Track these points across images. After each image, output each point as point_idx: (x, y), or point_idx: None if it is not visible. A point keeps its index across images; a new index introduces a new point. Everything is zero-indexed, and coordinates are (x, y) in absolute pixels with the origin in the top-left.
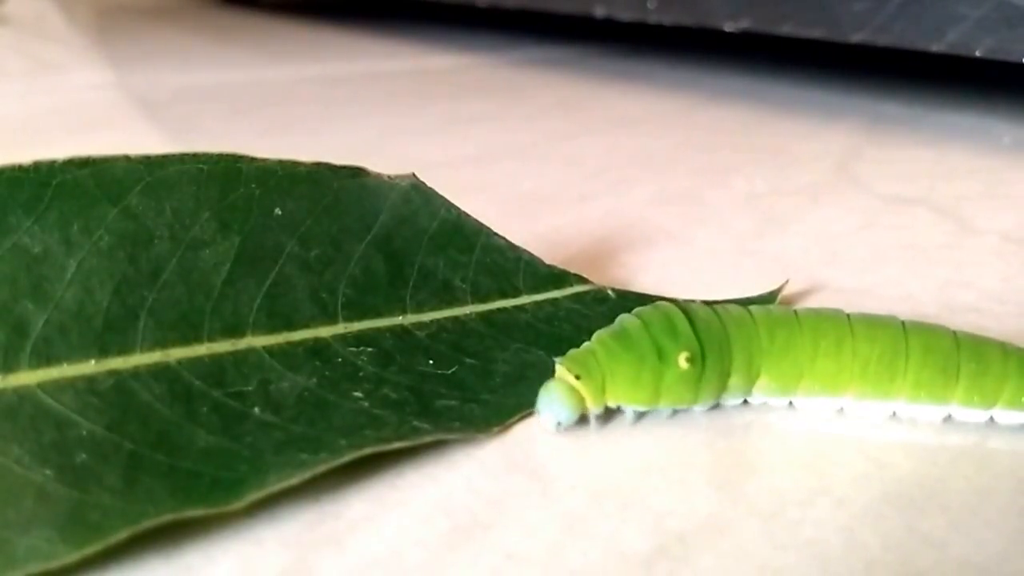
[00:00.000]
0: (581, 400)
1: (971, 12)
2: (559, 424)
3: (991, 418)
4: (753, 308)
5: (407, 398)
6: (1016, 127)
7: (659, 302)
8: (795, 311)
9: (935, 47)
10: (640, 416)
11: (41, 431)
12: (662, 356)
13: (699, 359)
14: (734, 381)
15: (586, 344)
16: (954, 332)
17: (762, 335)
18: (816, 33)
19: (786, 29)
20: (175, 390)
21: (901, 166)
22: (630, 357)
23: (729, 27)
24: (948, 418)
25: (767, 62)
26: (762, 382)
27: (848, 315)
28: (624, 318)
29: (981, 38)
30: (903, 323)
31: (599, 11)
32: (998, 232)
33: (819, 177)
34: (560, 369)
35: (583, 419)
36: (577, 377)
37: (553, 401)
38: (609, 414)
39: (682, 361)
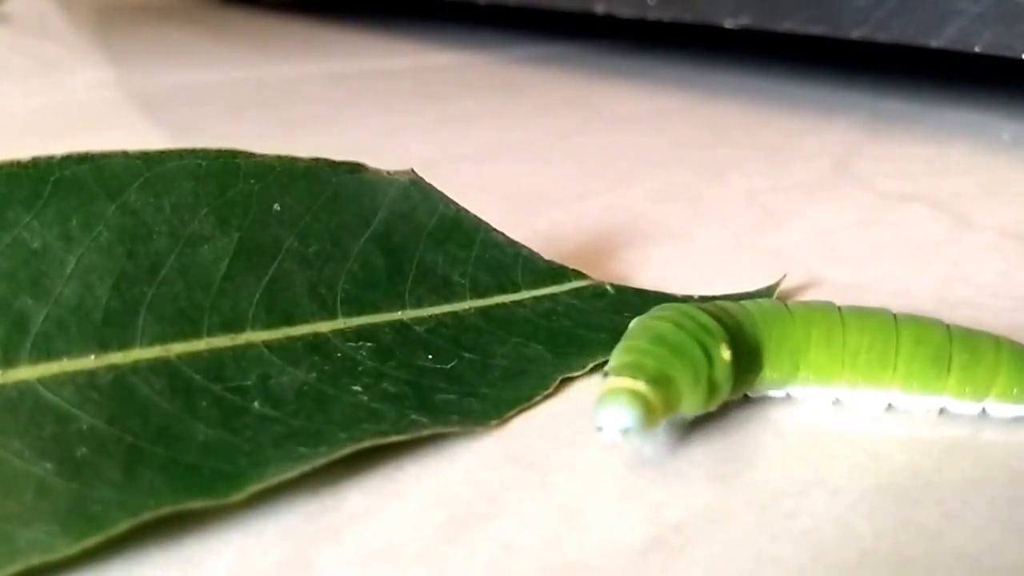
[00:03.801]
0: (648, 408)
1: (970, 7)
2: (626, 431)
3: (984, 410)
4: (745, 303)
5: (406, 392)
6: (1015, 123)
7: (665, 304)
8: (785, 303)
9: (934, 42)
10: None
11: (41, 425)
12: (708, 353)
13: (734, 349)
14: (746, 372)
15: (623, 355)
16: (946, 324)
17: (760, 326)
18: (816, 29)
19: (786, 25)
20: (175, 385)
21: (900, 162)
22: (684, 362)
23: (729, 24)
24: (942, 411)
25: (767, 59)
26: (764, 372)
27: (839, 307)
28: (649, 325)
29: (980, 33)
30: (895, 315)
31: (599, 8)
32: (996, 228)
33: (818, 173)
34: (619, 378)
35: (581, 413)
36: (646, 383)
37: (619, 406)
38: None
39: (724, 353)
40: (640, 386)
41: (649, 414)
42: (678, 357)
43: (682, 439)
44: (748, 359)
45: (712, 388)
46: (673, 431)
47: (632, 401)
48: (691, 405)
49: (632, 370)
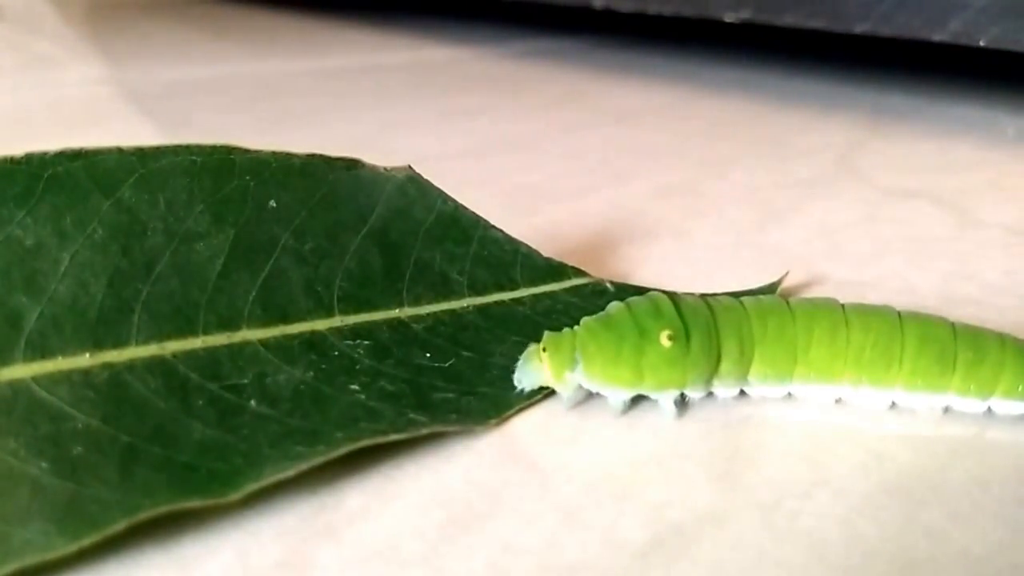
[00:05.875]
0: (542, 370)
1: (974, 1)
2: (518, 382)
3: (989, 409)
4: (744, 299)
5: (404, 391)
6: (1020, 119)
7: (650, 293)
8: (787, 300)
9: (938, 37)
10: (627, 406)
11: (36, 424)
12: (644, 335)
13: (683, 338)
14: (726, 367)
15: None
16: (951, 322)
17: (753, 322)
18: (818, 24)
19: (787, 20)
20: (171, 383)
21: (903, 158)
22: (610, 336)
23: (730, 18)
24: (947, 409)
25: (768, 53)
26: (756, 369)
27: (843, 304)
28: (611, 304)
29: (985, 27)
30: (899, 312)
31: (598, 2)
32: (1001, 225)
33: (820, 169)
34: (541, 343)
35: (581, 411)
36: (544, 350)
37: (520, 363)
38: (604, 406)
39: (664, 339)
40: (542, 354)
41: (541, 373)
42: (609, 334)
43: (683, 438)
44: (731, 354)
45: (643, 370)
46: (672, 429)
47: (529, 363)
48: (613, 380)
49: (550, 339)
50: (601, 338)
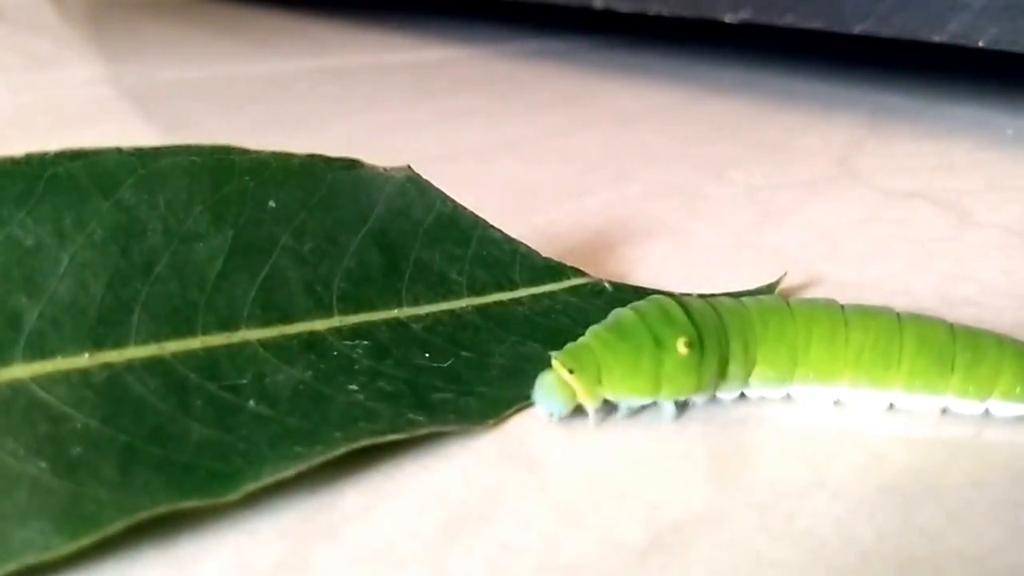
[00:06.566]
0: (573, 393)
1: (974, 2)
2: (552, 415)
3: (987, 410)
4: (744, 299)
5: (403, 391)
6: (1019, 119)
7: (653, 295)
8: (787, 301)
9: (937, 37)
10: (634, 411)
11: (35, 424)
12: (660, 344)
13: (698, 344)
14: (733, 369)
15: (581, 339)
16: (950, 323)
17: (755, 323)
18: (817, 24)
19: (787, 20)
20: (169, 383)
21: (902, 159)
22: (627, 347)
23: (729, 18)
24: (945, 411)
25: (767, 54)
26: (758, 370)
27: (842, 305)
28: (618, 311)
29: (984, 28)
30: (898, 313)
31: (598, 2)
32: (999, 225)
33: (819, 170)
34: (555, 363)
35: (580, 411)
36: (571, 371)
37: (546, 393)
38: (606, 409)
39: (681, 347)
40: (566, 375)
41: (573, 398)
42: (624, 343)
43: (681, 439)
44: (737, 356)
45: (662, 378)
46: (670, 429)
47: (559, 390)
48: (633, 391)
49: (571, 356)
50: (618, 349)
